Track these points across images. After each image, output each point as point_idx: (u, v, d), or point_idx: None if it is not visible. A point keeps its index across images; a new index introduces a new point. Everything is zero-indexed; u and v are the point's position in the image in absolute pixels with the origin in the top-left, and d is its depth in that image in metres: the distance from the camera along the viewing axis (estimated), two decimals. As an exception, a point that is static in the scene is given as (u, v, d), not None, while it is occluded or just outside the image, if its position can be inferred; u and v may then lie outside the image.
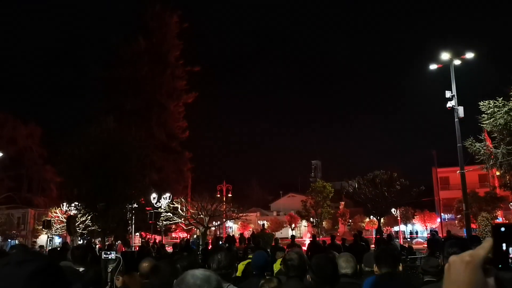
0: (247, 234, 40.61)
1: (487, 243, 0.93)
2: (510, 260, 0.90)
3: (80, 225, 27.10)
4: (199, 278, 1.74)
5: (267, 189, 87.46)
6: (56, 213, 35.78)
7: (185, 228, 37.16)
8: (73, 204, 26.42)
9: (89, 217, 20.15)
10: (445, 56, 20.48)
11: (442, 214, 49.86)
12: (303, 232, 57.15)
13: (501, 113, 19.73)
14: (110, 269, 4.07)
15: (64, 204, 32.52)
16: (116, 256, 4.16)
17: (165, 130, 45.08)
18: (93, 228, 22.79)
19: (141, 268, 4.29)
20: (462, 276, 0.92)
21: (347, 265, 3.63)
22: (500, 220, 42.11)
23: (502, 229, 0.93)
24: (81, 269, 4.80)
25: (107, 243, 18.37)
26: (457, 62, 20.43)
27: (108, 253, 4.15)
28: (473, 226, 29.68)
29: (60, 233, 36.81)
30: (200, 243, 24.25)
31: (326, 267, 3.15)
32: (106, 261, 4.06)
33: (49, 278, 1.61)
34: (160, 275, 3.07)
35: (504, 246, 0.91)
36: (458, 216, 39.62)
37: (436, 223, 49.57)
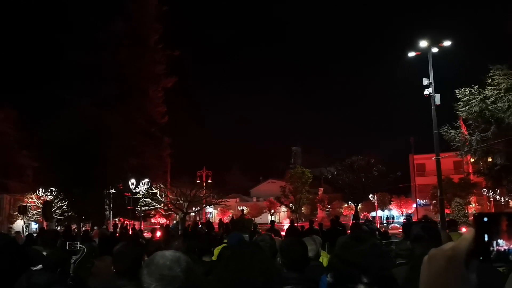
0: (226, 219, 40.78)
1: (469, 234, 0.86)
2: (491, 252, 0.85)
3: (57, 211, 26.73)
4: (168, 259, 1.74)
5: (247, 175, 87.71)
6: (32, 198, 35.15)
7: (164, 213, 37.02)
8: (49, 190, 26.04)
9: (65, 203, 19.86)
10: (423, 43, 20.68)
11: (417, 199, 50.97)
12: (282, 217, 57.69)
13: (476, 100, 20.19)
14: (73, 260, 3.99)
15: (41, 189, 31.99)
16: (80, 246, 4.09)
17: (144, 115, 44.48)
18: (70, 213, 22.49)
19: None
20: (444, 271, 0.85)
21: (309, 248, 3.70)
22: (473, 205, 43.34)
23: (485, 218, 0.88)
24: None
25: (83, 229, 18.16)
26: (435, 50, 20.66)
27: (73, 243, 4.07)
28: (447, 211, 30.47)
29: (36, 218, 36.23)
30: (180, 229, 24.24)
31: (295, 251, 3.19)
32: (70, 252, 3.98)
33: (10, 256, 1.58)
34: (124, 259, 3.03)
35: (486, 237, 0.86)
36: (433, 202, 40.57)
37: (412, 209, 50.68)
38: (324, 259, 4.63)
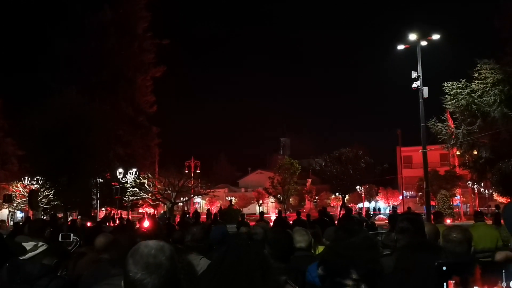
0: (214, 209, 40.84)
1: None
2: None
3: (42, 200, 26.45)
4: (153, 248, 1.76)
5: (236, 165, 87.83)
6: (18, 187, 34.76)
7: (152, 203, 36.95)
8: (35, 178, 25.69)
9: (51, 192, 19.66)
10: (412, 37, 20.76)
11: (404, 191, 51.59)
12: (270, 208, 57.97)
13: (463, 94, 20.38)
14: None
15: (26, 178, 31.61)
16: (73, 238, 4.08)
17: (132, 104, 43.99)
18: (56, 203, 22.27)
19: (97, 243, 4.23)
20: None
21: (301, 239, 3.76)
22: (458, 197, 44.00)
23: (444, 268, 0.91)
24: (39, 244, 4.69)
25: (70, 218, 18.02)
26: (423, 43, 20.76)
27: (67, 235, 4.06)
28: (432, 203, 30.92)
29: (22, 207, 35.87)
30: (166, 217, 24.22)
31: (282, 241, 3.23)
32: (63, 244, 3.97)
33: None
34: (119, 248, 3.03)
35: (445, 285, 0.89)
36: (419, 194, 41.08)
37: (398, 200, 51.28)
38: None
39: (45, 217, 26.57)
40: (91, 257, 4.80)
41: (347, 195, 43.47)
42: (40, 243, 4.61)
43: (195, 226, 4.07)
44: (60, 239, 4.06)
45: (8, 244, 3.96)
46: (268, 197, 51.40)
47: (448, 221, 30.78)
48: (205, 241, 4.02)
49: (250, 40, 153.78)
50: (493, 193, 34.84)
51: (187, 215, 21.35)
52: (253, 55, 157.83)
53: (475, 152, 22.75)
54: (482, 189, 44.22)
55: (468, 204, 49.22)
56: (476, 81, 20.06)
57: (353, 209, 39.19)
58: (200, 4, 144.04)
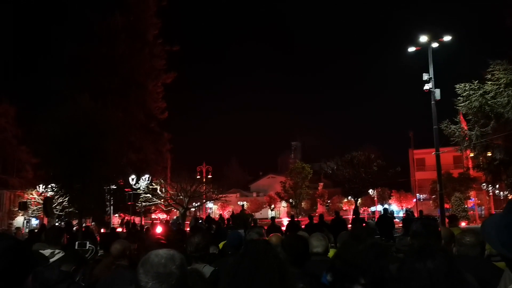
0: (226, 214, 40.87)
1: None
2: None
3: (57, 207, 26.75)
4: (163, 257, 1.78)
5: (247, 170, 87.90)
6: (32, 194, 35.17)
7: (164, 209, 37.13)
8: (49, 186, 26.02)
9: (66, 199, 19.87)
10: (423, 38, 20.63)
11: (417, 194, 51.05)
12: (282, 212, 57.82)
13: (476, 96, 20.17)
14: None
15: (41, 185, 31.99)
16: (89, 246, 4.11)
17: (144, 110, 44.34)
18: (70, 209, 22.48)
19: (113, 250, 4.27)
20: None
21: (318, 243, 3.72)
22: (472, 200, 43.44)
23: None
24: (56, 251, 4.77)
25: (84, 225, 18.19)
26: (435, 44, 20.61)
27: (83, 243, 4.10)
28: (446, 206, 30.56)
29: (37, 214, 36.29)
30: (179, 222, 24.34)
31: (296, 246, 3.24)
32: (80, 251, 4.01)
33: (17, 256, 1.64)
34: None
35: None
36: (433, 196, 40.64)
37: (411, 203, 50.76)
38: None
39: (58, 224, 26.88)
40: (106, 263, 4.85)
41: (359, 199, 43.22)
42: (57, 251, 4.69)
43: (195, 236, 4.01)
44: (76, 247, 4.11)
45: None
46: (280, 201, 51.28)
47: (463, 224, 30.39)
48: (208, 249, 4.01)
49: (261, 43, 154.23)
50: (509, 195, 34.31)
51: (200, 221, 21.41)
52: (264, 61, 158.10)
53: (489, 154, 22.47)
54: (497, 191, 43.61)
55: (483, 207, 48.55)
56: (489, 82, 19.84)
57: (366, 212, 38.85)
58: (210, 11, 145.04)
